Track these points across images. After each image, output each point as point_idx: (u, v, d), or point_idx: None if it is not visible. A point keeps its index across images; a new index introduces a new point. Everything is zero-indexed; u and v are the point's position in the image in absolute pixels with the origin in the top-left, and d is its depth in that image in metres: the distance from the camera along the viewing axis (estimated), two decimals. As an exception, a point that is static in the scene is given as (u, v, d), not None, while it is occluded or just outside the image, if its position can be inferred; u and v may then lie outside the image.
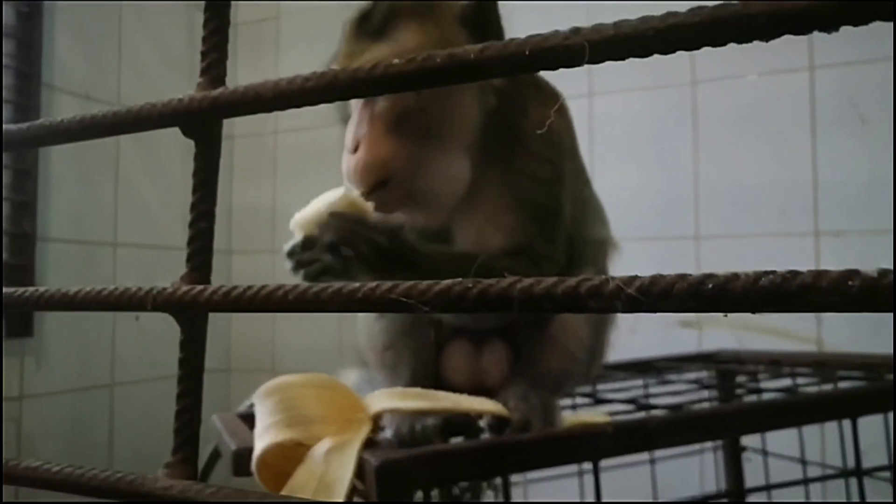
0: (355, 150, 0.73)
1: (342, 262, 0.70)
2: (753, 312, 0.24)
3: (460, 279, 0.28)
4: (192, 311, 0.35)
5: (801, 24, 0.24)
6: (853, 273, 0.23)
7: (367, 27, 0.75)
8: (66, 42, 2.15)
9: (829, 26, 0.24)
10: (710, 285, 0.24)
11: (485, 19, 0.75)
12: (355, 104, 0.76)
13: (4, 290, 0.40)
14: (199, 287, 0.34)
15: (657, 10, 0.27)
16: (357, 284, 0.30)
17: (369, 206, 0.75)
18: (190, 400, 0.36)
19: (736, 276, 0.24)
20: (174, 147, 2.32)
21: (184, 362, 0.36)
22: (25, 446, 1.97)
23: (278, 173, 2.65)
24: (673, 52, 0.26)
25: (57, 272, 2.10)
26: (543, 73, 0.80)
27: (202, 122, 0.36)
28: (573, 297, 0.26)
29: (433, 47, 0.74)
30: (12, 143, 0.42)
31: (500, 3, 0.79)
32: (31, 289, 0.40)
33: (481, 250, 0.76)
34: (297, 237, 0.75)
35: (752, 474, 1.22)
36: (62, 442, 2.09)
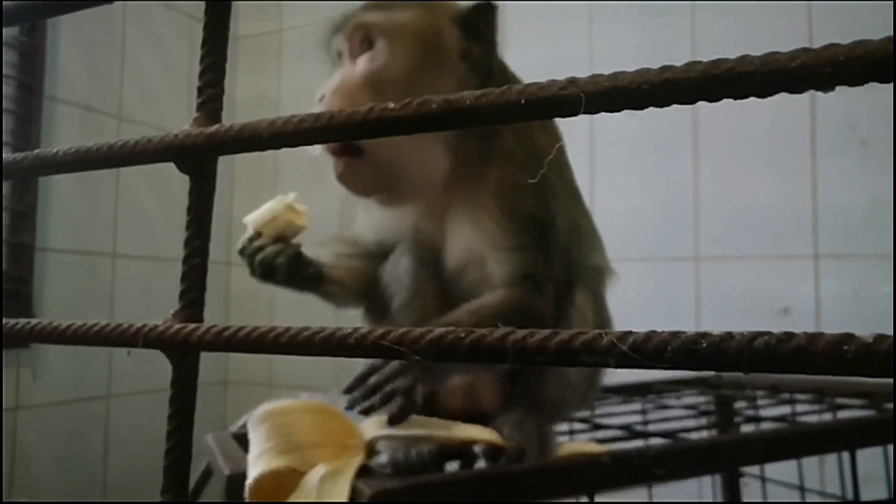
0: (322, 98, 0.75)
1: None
2: (747, 372, 0.24)
3: (454, 328, 0.28)
4: (183, 349, 0.35)
5: (794, 83, 0.24)
6: (848, 337, 0.22)
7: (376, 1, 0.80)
8: (69, 53, 2.16)
9: (823, 86, 0.24)
10: (705, 344, 0.24)
11: (480, 24, 0.77)
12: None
13: (-4, 321, 0.40)
14: (192, 326, 0.34)
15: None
16: (349, 330, 0.30)
17: (302, 208, 0.80)
18: (180, 436, 0.36)
19: (730, 336, 0.24)
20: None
21: (175, 399, 0.36)
22: (21, 458, 1.96)
23: (279, 186, 2.65)
24: (668, 105, 0.26)
25: (56, 283, 2.10)
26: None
27: (197, 158, 0.36)
28: (567, 350, 0.26)
29: (422, 33, 0.76)
30: (7, 173, 0.42)
31: (504, 2, 0.79)
32: (23, 321, 0.40)
33: (477, 281, 0.76)
34: (250, 232, 0.81)
35: (751, 500, 1.21)
36: (57, 453, 2.08)
